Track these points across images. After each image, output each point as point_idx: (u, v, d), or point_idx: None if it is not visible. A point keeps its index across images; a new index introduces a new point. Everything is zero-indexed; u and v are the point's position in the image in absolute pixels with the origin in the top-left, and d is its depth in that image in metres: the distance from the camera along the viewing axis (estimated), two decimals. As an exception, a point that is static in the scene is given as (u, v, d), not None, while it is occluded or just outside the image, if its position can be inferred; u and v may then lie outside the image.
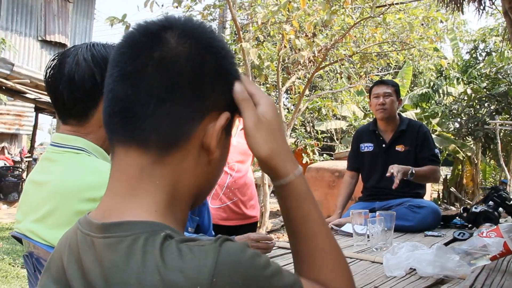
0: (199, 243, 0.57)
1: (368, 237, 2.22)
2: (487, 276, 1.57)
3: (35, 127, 13.18)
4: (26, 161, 12.69)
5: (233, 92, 0.68)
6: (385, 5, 6.09)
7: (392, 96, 3.12)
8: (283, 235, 7.95)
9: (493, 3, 3.20)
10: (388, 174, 2.78)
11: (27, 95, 9.40)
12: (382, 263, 1.73)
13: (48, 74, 1.21)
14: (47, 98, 9.59)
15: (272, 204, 11.24)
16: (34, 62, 11.77)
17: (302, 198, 0.74)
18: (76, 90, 1.16)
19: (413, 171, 2.82)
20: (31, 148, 13.88)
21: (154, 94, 0.62)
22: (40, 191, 1.17)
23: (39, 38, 11.89)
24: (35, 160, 17.77)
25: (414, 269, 1.62)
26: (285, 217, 0.75)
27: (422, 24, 6.75)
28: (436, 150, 3.16)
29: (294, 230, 0.74)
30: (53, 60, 1.22)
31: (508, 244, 1.61)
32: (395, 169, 2.75)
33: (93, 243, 0.61)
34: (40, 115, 13.14)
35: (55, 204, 1.11)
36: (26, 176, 12.55)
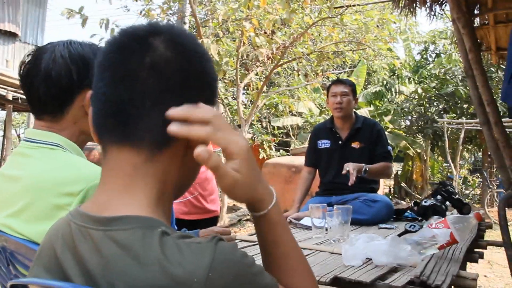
0: (195, 240, 0.63)
1: (326, 230, 2.33)
2: (435, 264, 1.70)
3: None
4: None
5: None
6: (343, 6, 6.27)
7: (349, 96, 3.24)
8: (239, 230, 8.04)
9: (443, 9, 3.39)
10: (343, 172, 2.90)
11: (-26, 86, 9.03)
12: (340, 254, 1.83)
13: (23, 70, 1.22)
14: (-3, 90, 9.23)
15: (229, 199, 11.30)
16: (-18, 52, 11.28)
17: (275, 224, 0.79)
18: (53, 86, 1.18)
19: (367, 168, 2.96)
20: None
21: (147, 97, 0.66)
22: (13, 186, 1.18)
23: (-12, 27, 11.39)
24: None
25: (370, 259, 1.74)
26: (260, 240, 0.81)
27: (378, 26, 6.99)
28: (389, 147, 3.31)
29: (268, 252, 0.81)
30: (28, 55, 1.23)
31: (454, 234, 1.76)
32: (350, 167, 2.88)
33: (90, 234, 0.65)
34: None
35: (31, 198, 1.13)
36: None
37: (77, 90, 1.21)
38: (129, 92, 0.67)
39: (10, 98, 9.61)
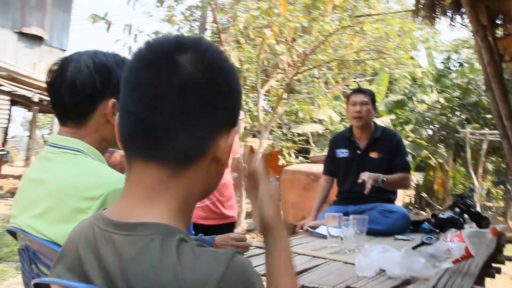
0: (212, 249, 0.66)
1: (342, 239, 2.34)
2: (449, 278, 1.70)
3: (9, 120, 12.96)
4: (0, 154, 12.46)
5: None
6: (363, 15, 6.26)
7: (369, 105, 3.24)
8: (257, 235, 8.05)
9: (463, 20, 3.37)
10: (359, 181, 2.90)
11: (2, 88, 9.28)
12: (354, 264, 1.84)
13: (50, 78, 1.28)
14: (23, 92, 9.48)
15: (248, 204, 11.32)
16: (10, 55, 11.57)
17: (282, 251, 0.94)
18: (77, 94, 1.24)
19: (384, 179, 2.96)
20: (4, 142, 13.65)
21: (175, 118, 0.69)
22: (38, 189, 1.24)
23: (16, 31, 11.69)
24: (7, 153, 17.43)
25: (384, 270, 1.74)
26: (267, 263, 0.93)
27: (399, 35, 6.96)
28: (408, 158, 3.30)
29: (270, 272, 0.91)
30: (55, 64, 1.29)
31: (469, 249, 1.75)
32: (365, 176, 2.89)
33: (112, 238, 0.68)
34: (13, 107, 12.94)
35: (54, 201, 1.18)
36: (-2, 170, 12.34)
37: (100, 98, 1.26)
38: (158, 112, 0.69)
39: (36, 100, 9.86)
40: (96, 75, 1.24)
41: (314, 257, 2.09)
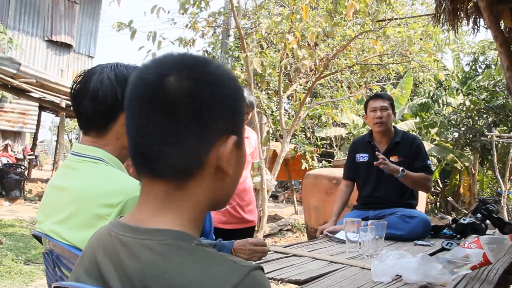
0: (231, 257, 0.70)
1: (360, 244, 2.35)
2: (466, 284, 1.69)
3: (38, 125, 13.30)
4: (28, 159, 12.80)
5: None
6: (385, 20, 6.24)
7: (389, 110, 3.24)
8: (280, 239, 8.06)
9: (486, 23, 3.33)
10: (377, 162, 2.93)
11: (32, 94, 9.54)
12: (370, 269, 1.85)
13: (74, 89, 1.34)
14: (51, 98, 9.73)
15: (270, 208, 11.37)
16: (40, 62, 11.90)
17: None
18: (99, 105, 1.30)
19: (404, 170, 2.96)
20: (33, 146, 14.01)
21: (164, 140, 0.73)
22: (62, 196, 1.30)
23: (46, 38, 12.03)
24: (36, 157, 17.88)
25: (400, 276, 1.75)
26: None
27: (421, 38, 6.90)
28: (429, 162, 3.28)
29: None
30: (79, 76, 1.35)
31: (487, 255, 1.74)
32: (382, 156, 2.96)
33: (130, 242, 0.72)
34: (42, 113, 13.28)
35: (76, 208, 1.24)
36: (28, 174, 12.68)
37: (121, 109, 1.31)
38: (148, 138, 0.73)
39: (64, 106, 10.11)
40: (117, 86, 1.30)
41: (331, 262, 2.10)
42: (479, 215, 2.82)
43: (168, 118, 0.72)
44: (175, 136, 0.73)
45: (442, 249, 2.49)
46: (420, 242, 2.73)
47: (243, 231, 3.29)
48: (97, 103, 1.30)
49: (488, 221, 2.80)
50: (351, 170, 3.46)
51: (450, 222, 2.91)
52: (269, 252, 2.17)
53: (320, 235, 3.06)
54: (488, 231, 2.85)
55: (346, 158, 3.73)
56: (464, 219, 2.80)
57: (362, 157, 3.38)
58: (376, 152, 3.00)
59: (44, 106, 11.65)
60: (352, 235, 2.45)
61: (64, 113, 10.21)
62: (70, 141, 26.41)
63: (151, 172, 0.76)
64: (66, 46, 12.34)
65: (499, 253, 1.79)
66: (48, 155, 30.71)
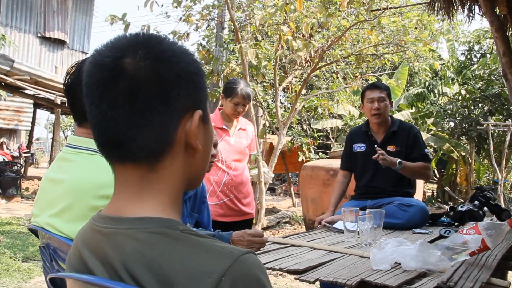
0: (218, 242, 0.68)
1: (359, 233, 2.35)
2: (465, 270, 1.69)
3: (33, 123, 13.25)
4: (24, 157, 12.74)
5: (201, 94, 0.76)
6: (380, 9, 6.21)
7: (386, 100, 3.23)
8: (278, 232, 8.07)
9: (482, 11, 3.32)
10: (374, 156, 2.92)
11: (26, 91, 9.49)
12: (369, 258, 1.85)
13: (67, 80, 1.32)
14: (46, 94, 9.68)
15: (268, 201, 11.37)
16: (33, 59, 11.83)
17: None
18: None
19: (401, 162, 2.95)
20: (29, 143, 13.96)
21: (129, 122, 0.71)
22: (57, 188, 1.29)
23: (39, 35, 11.95)
24: (32, 155, 17.81)
25: (399, 263, 1.75)
26: None
27: (416, 28, 6.88)
28: (426, 150, 3.27)
29: None
30: (72, 67, 1.34)
31: (485, 241, 1.74)
32: (381, 151, 2.93)
33: (112, 233, 0.71)
34: (37, 110, 13.22)
35: (72, 200, 1.23)
36: (24, 172, 12.63)
37: None
38: (113, 121, 0.72)
39: (59, 103, 10.06)
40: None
41: (330, 251, 2.10)
42: (476, 202, 2.82)
43: (132, 100, 0.71)
44: (141, 117, 0.71)
45: (441, 237, 2.49)
46: (418, 230, 2.74)
47: (241, 224, 3.29)
48: None
49: (485, 208, 2.81)
50: (348, 160, 3.46)
51: (448, 210, 2.92)
52: (267, 243, 2.17)
53: (318, 226, 3.06)
54: (485, 218, 2.85)
55: (341, 149, 3.72)
56: (461, 207, 2.80)
57: (359, 147, 3.38)
58: (376, 148, 2.98)
59: (39, 103, 11.60)
60: (351, 225, 2.45)
61: (59, 110, 10.17)
62: (66, 138, 26.30)
63: (121, 157, 0.74)
64: (60, 43, 12.25)
65: (497, 239, 1.79)
66: (45, 153, 30.60)
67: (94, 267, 0.71)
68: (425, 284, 1.55)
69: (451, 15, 3.18)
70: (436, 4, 3.01)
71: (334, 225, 2.85)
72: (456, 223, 2.84)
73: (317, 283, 1.67)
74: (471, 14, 3.47)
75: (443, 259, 1.71)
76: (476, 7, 3.43)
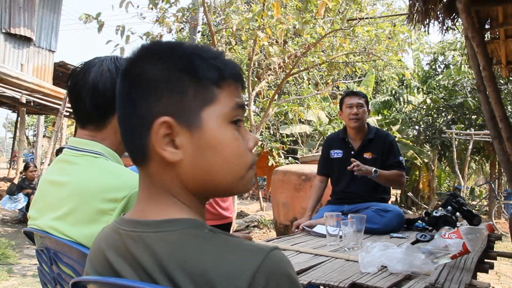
0: (246, 241, 0.70)
1: (341, 237, 2.41)
2: (448, 272, 1.77)
3: (-5, 121, 12.78)
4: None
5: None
6: (355, 19, 6.36)
7: (364, 107, 3.32)
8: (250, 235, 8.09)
9: (454, 24, 3.46)
10: (349, 167, 3.00)
11: (-11, 89, 9.18)
12: (355, 261, 1.91)
13: (71, 81, 1.31)
14: (11, 93, 9.39)
15: (240, 205, 11.39)
16: (-2, 56, 11.45)
17: None
18: (99, 97, 1.27)
19: (377, 170, 3.04)
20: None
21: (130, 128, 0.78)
22: (59, 191, 1.26)
23: (3, 31, 11.57)
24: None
25: (386, 266, 1.81)
26: None
27: (389, 38, 7.08)
28: (401, 158, 3.37)
29: None
30: (76, 68, 1.32)
31: (466, 245, 1.83)
32: (356, 162, 3.00)
33: (141, 237, 0.71)
34: None
35: (77, 203, 1.20)
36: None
37: None
38: (126, 124, 0.78)
39: (24, 101, 9.78)
40: (117, 78, 1.28)
41: (316, 255, 2.15)
42: (449, 208, 2.93)
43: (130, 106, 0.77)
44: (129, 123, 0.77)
45: (417, 241, 2.58)
46: (395, 234, 2.82)
47: (220, 228, 3.21)
48: (96, 96, 1.28)
49: (458, 214, 2.92)
50: (325, 166, 3.52)
51: (423, 215, 3.02)
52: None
53: (296, 230, 3.10)
54: (458, 223, 2.97)
55: (314, 154, 3.79)
56: (436, 212, 2.90)
57: (336, 153, 3.45)
58: (352, 160, 3.06)
59: (1, 101, 11.23)
60: (332, 229, 2.50)
61: (25, 109, 9.88)
62: (27, 138, 25.46)
63: (133, 157, 0.78)
64: (26, 40, 11.89)
65: (477, 243, 1.88)
66: (3, 153, 29.56)
67: (122, 270, 0.72)
68: (412, 286, 1.61)
69: (427, 27, 3.31)
70: (415, 16, 3.13)
71: (314, 229, 2.89)
72: (431, 228, 2.94)
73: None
74: (443, 28, 3.61)
75: (427, 262, 1.78)
76: (449, 21, 3.57)
